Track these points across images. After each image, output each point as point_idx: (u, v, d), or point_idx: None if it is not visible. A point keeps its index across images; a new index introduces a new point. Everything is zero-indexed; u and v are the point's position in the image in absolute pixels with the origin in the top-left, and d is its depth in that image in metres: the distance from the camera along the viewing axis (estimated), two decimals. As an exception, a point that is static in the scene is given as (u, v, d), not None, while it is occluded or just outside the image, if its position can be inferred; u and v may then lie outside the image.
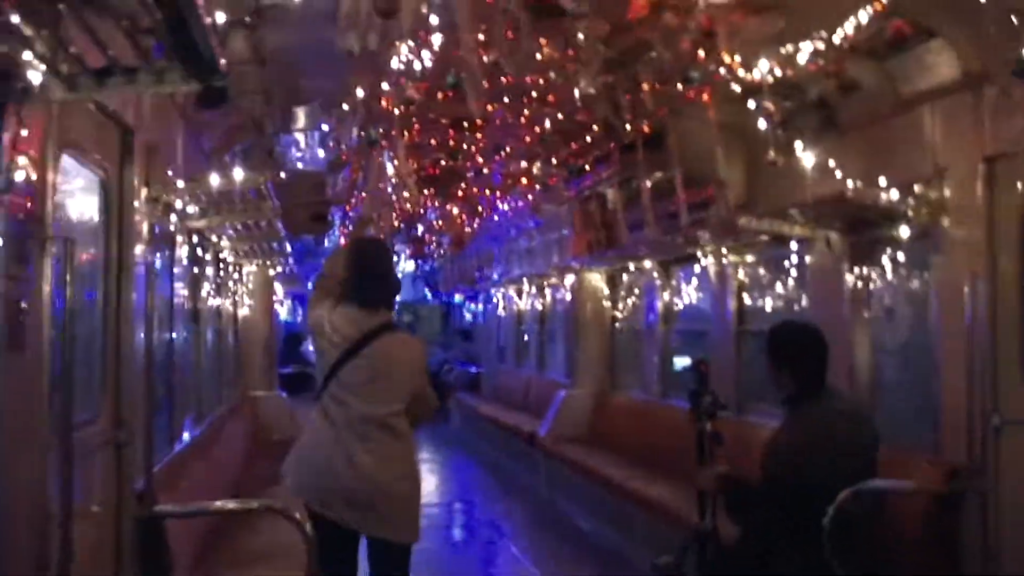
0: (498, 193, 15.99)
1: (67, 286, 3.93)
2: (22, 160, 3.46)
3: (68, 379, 3.97)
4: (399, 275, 6.56)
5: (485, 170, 14.34)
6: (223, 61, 3.40)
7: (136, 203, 5.56)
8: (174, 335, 7.64)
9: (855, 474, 5.80)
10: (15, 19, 3.22)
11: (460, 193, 16.35)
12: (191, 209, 7.14)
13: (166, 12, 2.92)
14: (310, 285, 23.87)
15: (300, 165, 12.93)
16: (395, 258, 6.84)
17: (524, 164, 12.99)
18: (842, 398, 6.25)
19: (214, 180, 6.56)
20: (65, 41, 3.46)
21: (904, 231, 7.15)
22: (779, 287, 9.61)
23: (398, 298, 6.66)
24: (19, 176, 3.47)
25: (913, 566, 6.14)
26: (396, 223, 12.72)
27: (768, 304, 9.83)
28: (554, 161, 12.36)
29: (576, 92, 8.07)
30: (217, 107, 3.77)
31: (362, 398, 5.98)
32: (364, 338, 6.04)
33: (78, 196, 5.06)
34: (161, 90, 3.76)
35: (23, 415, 3.74)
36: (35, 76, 3.43)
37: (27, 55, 3.35)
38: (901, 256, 7.49)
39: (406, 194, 7.51)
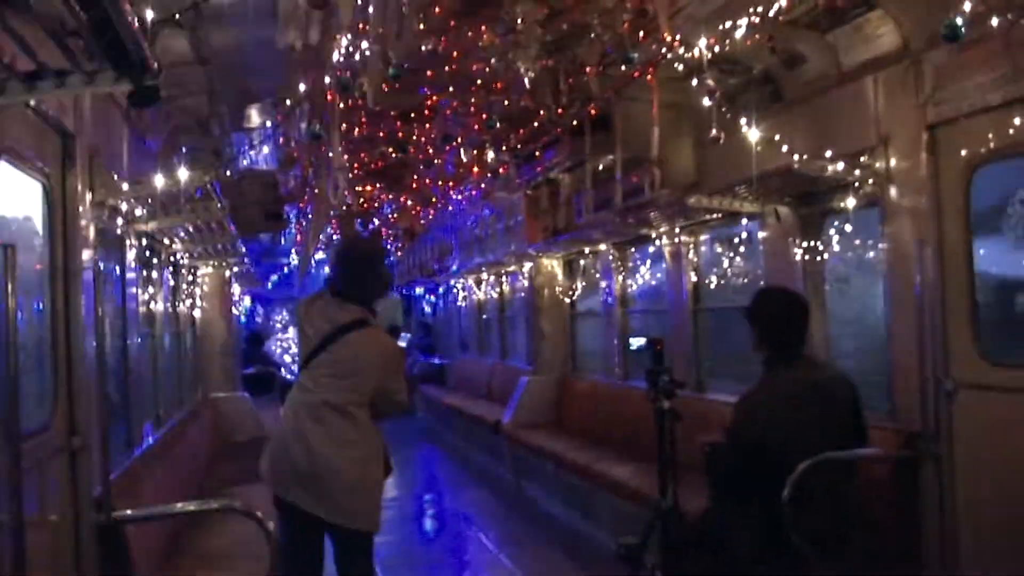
0: (451, 183, 15.99)
1: (8, 294, 3.89)
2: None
3: (13, 387, 3.93)
4: (385, 273, 6.52)
5: (436, 161, 14.32)
6: (154, 60, 3.36)
7: (81, 208, 5.51)
8: (128, 340, 7.58)
9: (818, 444, 5.85)
10: (-60, 26, 3.19)
11: (413, 185, 16.34)
12: (139, 212, 7.09)
13: (91, 13, 2.89)
14: (270, 285, 23.74)
15: (250, 164, 12.87)
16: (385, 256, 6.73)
17: (475, 153, 12.96)
18: (817, 367, 6.31)
19: (159, 181, 6.52)
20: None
21: (851, 202, 7.21)
22: (733, 264, 9.65)
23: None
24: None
25: (874, 530, 6.20)
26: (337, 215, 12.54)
27: (723, 281, 9.87)
28: (504, 148, 12.34)
29: (524, 78, 8.07)
30: (149, 106, 3.73)
31: (324, 387, 6.02)
32: (335, 332, 6.09)
33: (20, 202, 5.00)
34: (92, 91, 3.73)
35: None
36: (-39, 82, 3.40)
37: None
38: (849, 227, 7.53)
39: (341, 188, 7.47)
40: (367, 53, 5.70)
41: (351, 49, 6.76)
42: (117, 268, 7.28)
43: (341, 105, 8.06)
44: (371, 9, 5.49)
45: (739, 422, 6.23)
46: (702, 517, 6.79)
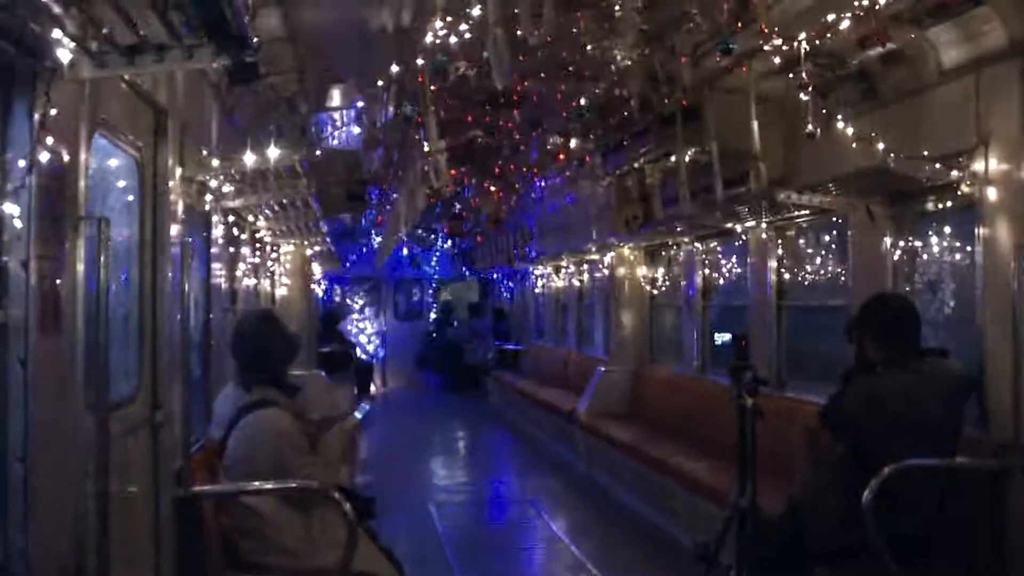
0: (535, 170, 15.93)
1: (101, 267, 3.90)
2: (51, 140, 3.42)
3: (102, 360, 3.95)
4: (288, 344, 6.37)
5: (522, 147, 14.28)
6: (254, 37, 3.34)
7: (171, 183, 5.53)
8: (211, 315, 7.62)
9: (912, 447, 5.82)
10: (45, -2, 3.19)
11: (497, 170, 16.31)
12: (226, 188, 7.12)
13: (194, -13, 2.88)
14: (348, 265, 23.91)
15: (335, 143, 12.92)
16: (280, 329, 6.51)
17: (560, 140, 12.89)
18: (932, 368, 6.32)
19: (248, 159, 6.52)
20: (95, 19, 3.43)
21: (947, 203, 7.05)
22: (820, 261, 9.50)
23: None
24: (48, 156, 3.44)
25: (959, 542, 6.05)
26: (429, 201, 12.53)
27: (809, 278, 9.72)
28: (591, 137, 12.25)
29: (612, 66, 7.99)
30: (248, 83, 3.71)
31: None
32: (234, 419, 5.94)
33: (114, 176, 5.03)
34: (192, 66, 3.71)
35: (58, 397, 3.72)
36: (64, 54, 3.40)
37: (56, 33, 3.32)
38: (945, 228, 7.37)
39: (437, 172, 7.41)
40: (496, 34, 5.61)
41: (445, 32, 6.72)
42: (203, 243, 7.31)
43: (432, 88, 8.02)
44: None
45: (844, 403, 6.42)
46: (780, 517, 6.72)
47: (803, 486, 6.77)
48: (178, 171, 5.73)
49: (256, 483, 5.75)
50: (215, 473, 6.02)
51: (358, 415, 7.25)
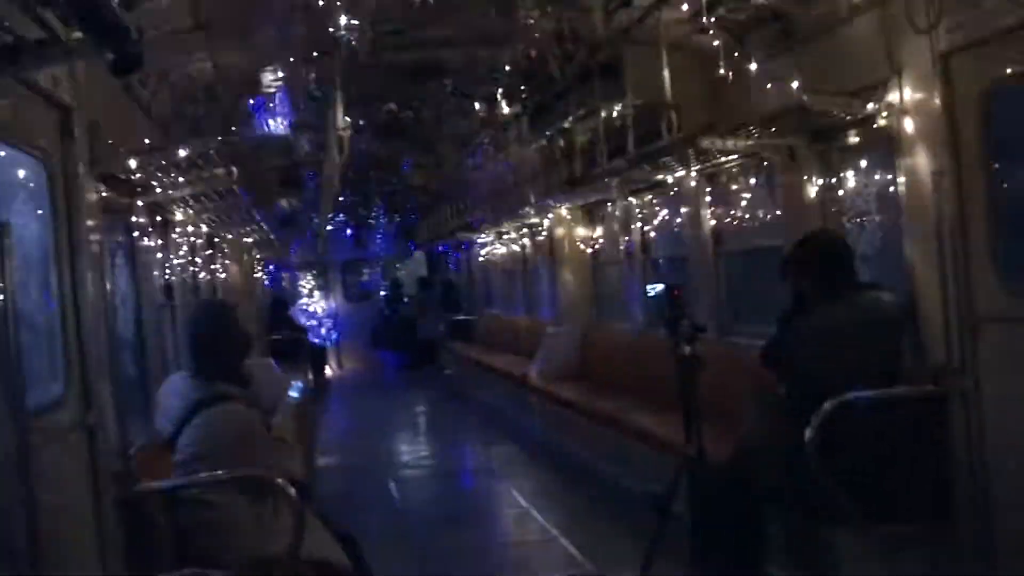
0: (465, 139, 15.89)
1: (6, 272, 3.83)
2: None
3: (16, 367, 3.89)
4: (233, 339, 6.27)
5: (449, 116, 14.24)
6: (134, 25, 3.29)
7: (83, 182, 5.45)
8: (143, 313, 7.54)
9: (853, 379, 5.89)
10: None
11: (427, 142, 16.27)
12: (148, 183, 7.03)
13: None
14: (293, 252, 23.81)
15: (265, 131, 12.80)
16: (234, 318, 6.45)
17: (487, 107, 12.86)
18: (864, 300, 6.46)
19: (167, 152, 6.45)
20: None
21: (868, 137, 7.09)
22: (752, 205, 9.54)
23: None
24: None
25: (904, 472, 6.11)
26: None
27: (743, 224, 9.76)
28: (515, 101, 12.23)
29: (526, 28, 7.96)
30: (132, 73, 3.65)
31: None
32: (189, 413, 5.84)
33: (17, 180, 4.95)
34: (75, 61, 3.65)
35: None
36: (-57, 60, 3.34)
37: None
38: (867, 162, 7.42)
39: (341, 149, 7.35)
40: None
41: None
42: (126, 241, 7.23)
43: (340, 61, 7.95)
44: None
45: (782, 342, 6.59)
46: (728, 462, 6.78)
47: (748, 430, 6.83)
48: (90, 169, 5.64)
49: (203, 475, 5.69)
50: (165, 470, 5.95)
51: (294, 394, 7.23)
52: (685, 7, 7.08)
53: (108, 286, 5.48)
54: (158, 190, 7.37)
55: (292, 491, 5.57)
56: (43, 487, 4.03)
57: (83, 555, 5.01)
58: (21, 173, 4.93)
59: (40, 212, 5.12)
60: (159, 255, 8.67)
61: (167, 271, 9.01)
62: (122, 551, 5.36)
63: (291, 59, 9.14)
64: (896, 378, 6.21)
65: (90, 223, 5.48)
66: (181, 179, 7.38)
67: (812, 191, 7.85)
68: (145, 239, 7.82)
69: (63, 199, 5.24)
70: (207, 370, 5.98)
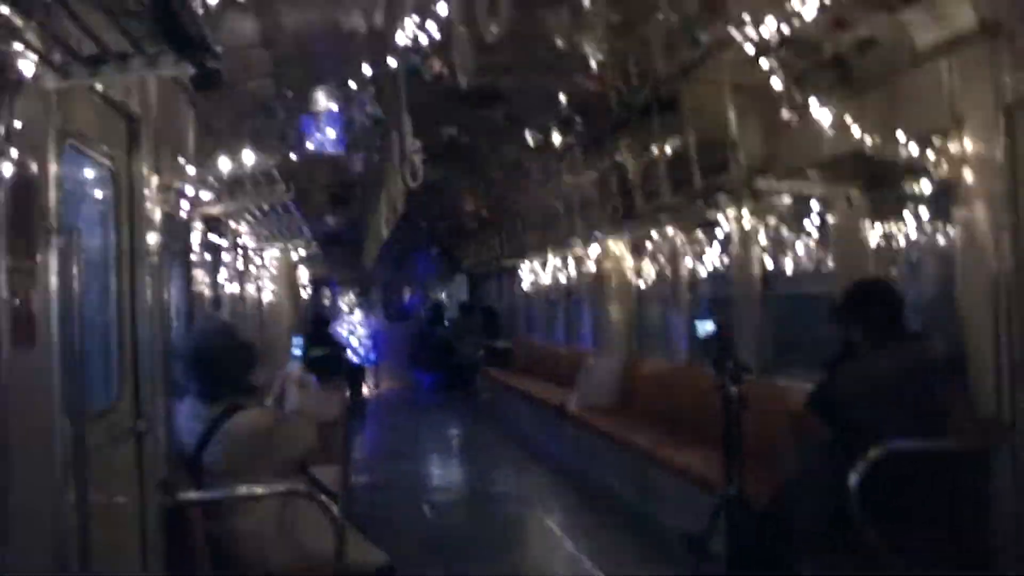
0: (517, 167, 15.93)
1: (74, 278, 3.90)
2: (17, 153, 3.42)
3: (79, 370, 3.95)
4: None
5: (503, 143, 14.29)
6: (217, 43, 3.35)
7: (146, 191, 5.53)
8: (195, 323, 7.62)
9: (899, 429, 5.88)
10: (5, 11, 3.20)
11: (480, 168, 16.32)
12: (204, 195, 7.11)
13: (151, -5, 2.88)
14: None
15: (315, 147, 12.89)
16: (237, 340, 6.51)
17: (541, 135, 12.89)
18: (913, 349, 6.48)
19: (224, 165, 6.53)
20: (57, 31, 3.43)
21: (925, 185, 7.07)
22: (802, 248, 9.52)
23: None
24: (15, 169, 3.44)
25: (945, 522, 6.07)
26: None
27: (792, 266, 9.73)
28: (571, 132, 12.26)
29: (587, 60, 7.99)
30: (212, 89, 3.71)
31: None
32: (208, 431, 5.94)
33: (88, 186, 5.03)
34: (155, 74, 3.72)
35: (34, 408, 3.72)
36: (27, 67, 3.40)
37: (18, 46, 3.32)
38: (923, 211, 7.40)
39: (413, 174, 7.35)
40: (460, 32, 5.60)
41: (418, 32, 6.72)
42: (183, 251, 7.31)
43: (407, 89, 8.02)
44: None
45: (830, 388, 6.59)
46: (768, 504, 6.75)
47: (790, 473, 6.81)
48: (154, 179, 5.72)
49: (243, 488, 5.77)
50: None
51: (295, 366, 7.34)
52: (750, 48, 7.07)
53: (166, 296, 5.54)
54: (215, 202, 7.46)
55: (335, 509, 5.64)
56: (93, 490, 4.07)
57: (128, 558, 5.07)
58: (87, 180, 5.02)
59: (102, 219, 5.21)
60: (212, 267, 8.76)
61: (217, 283, 9.11)
62: (163, 556, 5.41)
63: (351, 82, 9.22)
64: (942, 429, 6.16)
65: (151, 233, 5.55)
66: (238, 192, 7.47)
67: (866, 237, 7.83)
68: (199, 250, 7.90)
69: (126, 208, 5.32)
70: (215, 392, 6.07)
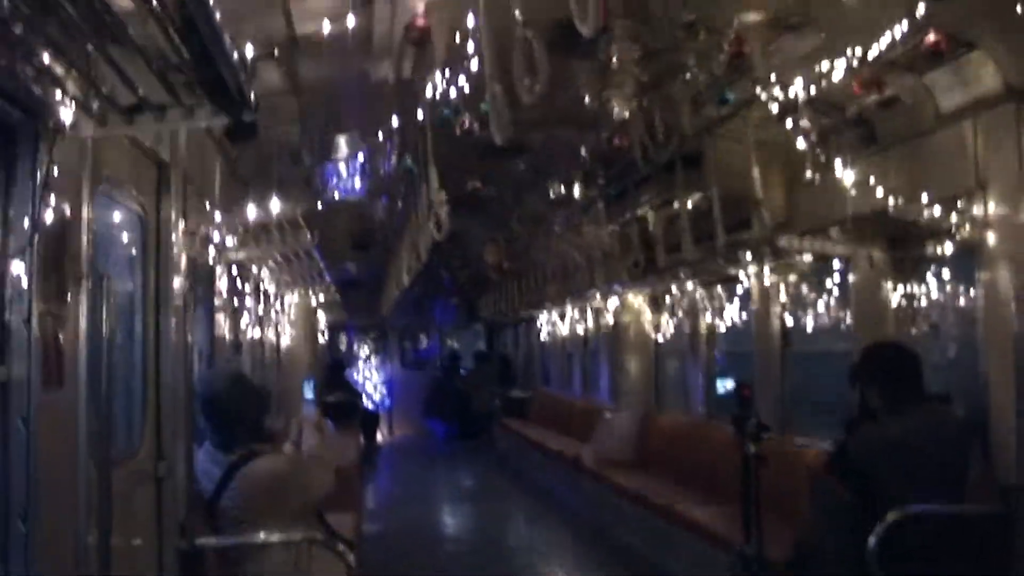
0: (537, 218, 15.97)
1: (104, 322, 3.93)
2: (54, 198, 3.47)
3: (107, 414, 3.97)
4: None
5: (524, 195, 14.33)
6: (252, 94, 3.39)
7: (174, 236, 5.57)
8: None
9: (915, 493, 5.85)
10: (47, 59, 3.25)
11: (499, 218, 16.36)
12: (229, 241, 7.15)
13: (193, 48, 2.92)
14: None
15: (338, 194, 12.97)
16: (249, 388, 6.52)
17: (563, 188, 12.94)
18: (934, 413, 6.43)
19: (251, 211, 6.57)
20: (95, 80, 3.48)
21: (948, 247, 7.07)
22: (823, 306, 9.52)
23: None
24: (51, 214, 3.48)
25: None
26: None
27: (812, 324, 9.74)
28: (593, 185, 12.31)
29: (615, 116, 8.03)
30: (247, 140, 3.75)
31: None
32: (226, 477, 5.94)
33: (116, 231, 5.08)
34: (191, 125, 3.77)
35: (60, 452, 3.74)
36: (66, 114, 3.45)
37: (57, 94, 3.38)
38: (946, 273, 7.40)
39: (439, 224, 7.40)
40: (496, 91, 5.63)
41: (447, 84, 6.79)
42: (207, 296, 7.35)
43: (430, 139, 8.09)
44: (484, 47, 5.44)
45: (851, 450, 6.49)
46: (787, 564, 6.72)
47: (809, 532, 6.78)
48: (181, 224, 5.77)
49: (260, 535, 5.77)
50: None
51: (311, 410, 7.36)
52: (775, 108, 7.13)
53: (189, 340, 5.57)
54: (240, 248, 7.49)
55: (351, 558, 5.65)
56: (114, 533, 4.08)
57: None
58: (117, 224, 5.07)
59: (130, 264, 5.26)
60: (234, 312, 8.80)
61: (238, 327, 9.14)
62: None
63: (379, 133, 9.30)
64: (962, 493, 6.13)
65: (178, 277, 5.59)
66: (264, 238, 7.50)
67: (886, 297, 7.83)
68: (223, 295, 7.94)
69: (154, 251, 5.36)
70: (231, 439, 6.07)
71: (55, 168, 3.47)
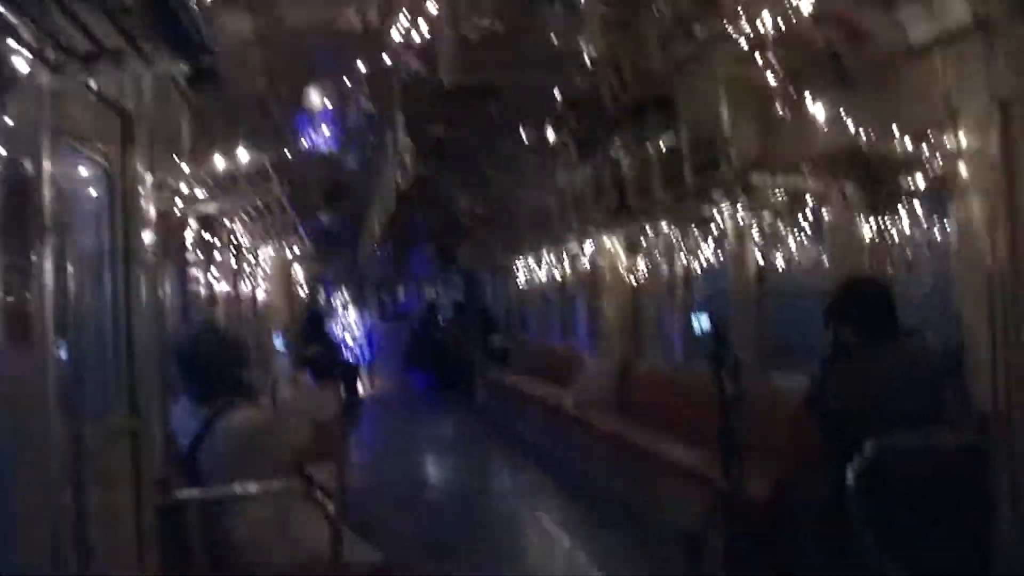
0: (510, 164, 15.90)
1: (68, 276, 3.88)
2: (11, 151, 3.41)
3: (75, 369, 3.93)
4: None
5: (496, 141, 14.26)
6: (212, 41, 3.33)
7: (141, 189, 5.50)
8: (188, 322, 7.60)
9: (892, 429, 5.86)
10: (-2, 8, 3.19)
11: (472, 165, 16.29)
12: (199, 193, 7.09)
13: (147, -8, 2.87)
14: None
15: (308, 144, 12.87)
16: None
17: (535, 133, 12.87)
18: (896, 347, 6.40)
19: (219, 162, 6.50)
20: (51, 27, 3.41)
21: (920, 180, 7.06)
22: (797, 244, 9.50)
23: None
24: (11, 168, 3.42)
25: (945, 522, 6.06)
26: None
27: (788, 262, 9.71)
28: (564, 129, 12.23)
29: (582, 57, 7.96)
30: (213, 90, 3.69)
31: None
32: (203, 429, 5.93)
33: (82, 185, 5.01)
34: (151, 71, 3.70)
35: (31, 409, 3.70)
36: (20, 64, 3.38)
37: (11, 43, 3.30)
38: (919, 206, 7.39)
39: (403, 171, 7.36)
40: (442, 31, 5.57)
41: (410, 30, 6.72)
42: (178, 249, 7.29)
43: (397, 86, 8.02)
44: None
45: (826, 388, 6.50)
46: (766, 501, 6.76)
47: (788, 470, 6.81)
48: (148, 177, 5.69)
49: (238, 487, 5.75)
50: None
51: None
52: (744, 44, 7.07)
53: (161, 294, 5.52)
54: (210, 200, 7.44)
55: (330, 508, 5.64)
56: (90, 489, 4.06)
57: (124, 559, 5.05)
58: (80, 178, 4.99)
59: (96, 218, 5.19)
60: (206, 265, 8.74)
61: (211, 281, 9.08)
62: (159, 556, 5.40)
63: (346, 79, 9.20)
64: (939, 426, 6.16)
65: (146, 231, 5.53)
66: (232, 190, 7.44)
67: (861, 234, 7.81)
68: (193, 248, 7.88)
69: (121, 206, 5.29)
70: (208, 392, 6.06)
71: (10, 120, 3.40)
